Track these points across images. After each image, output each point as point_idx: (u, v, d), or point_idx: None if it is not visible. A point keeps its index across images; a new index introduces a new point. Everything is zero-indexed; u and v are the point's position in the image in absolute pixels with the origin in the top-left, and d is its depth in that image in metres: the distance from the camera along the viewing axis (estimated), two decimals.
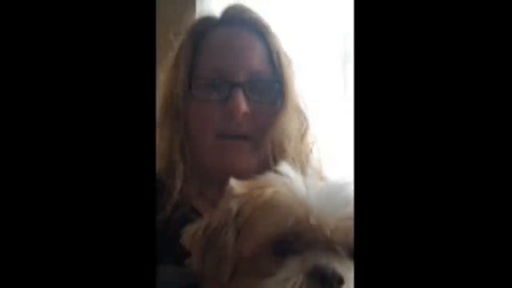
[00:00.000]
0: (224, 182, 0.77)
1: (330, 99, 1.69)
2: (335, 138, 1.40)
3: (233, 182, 0.70)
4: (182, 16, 0.99)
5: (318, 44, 1.75)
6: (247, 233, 0.66)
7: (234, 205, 0.67)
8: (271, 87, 0.91)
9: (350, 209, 0.61)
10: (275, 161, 0.89)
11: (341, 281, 0.60)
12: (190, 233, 0.70)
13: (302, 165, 0.92)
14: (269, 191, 0.66)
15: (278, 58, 0.91)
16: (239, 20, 0.95)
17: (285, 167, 0.70)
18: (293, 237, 0.63)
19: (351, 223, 0.59)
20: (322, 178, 0.86)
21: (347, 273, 0.60)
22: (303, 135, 0.96)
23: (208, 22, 0.96)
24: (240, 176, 0.87)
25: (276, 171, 0.70)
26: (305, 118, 0.96)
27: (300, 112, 0.95)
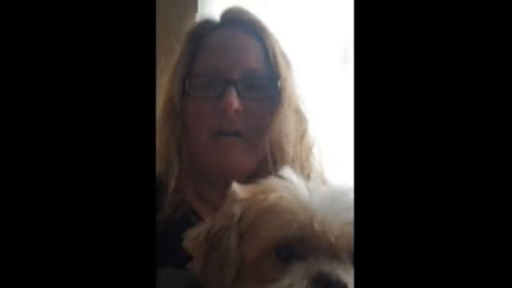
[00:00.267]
0: (220, 180, 0.77)
1: (330, 100, 1.68)
2: (335, 139, 1.40)
3: (236, 187, 0.70)
4: (184, 19, 1.00)
5: (319, 45, 1.75)
6: (250, 238, 0.66)
7: (237, 210, 0.67)
8: (267, 85, 0.92)
9: (353, 214, 0.61)
10: (274, 161, 0.90)
11: None
12: (192, 237, 0.70)
13: (302, 166, 0.93)
14: (272, 196, 0.66)
15: (275, 57, 0.92)
16: (237, 22, 0.96)
17: (287, 171, 0.70)
18: (297, 243, 0.62)
19: None
20: (324, 182, 0.86)
21: (351, 280, 0.59)
22: (302, 136, 0.96)
23: (207, 25, 0.97)
24: (236, 174, 0.87)
25: (278, 176, 0.70)
26: (304, 118, 0.96)
27: (299, 112, 0.96)
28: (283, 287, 0.60)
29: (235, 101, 0.88)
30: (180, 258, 0.72)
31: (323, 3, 1.77)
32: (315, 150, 0.97)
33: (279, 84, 0.91)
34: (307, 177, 0.78)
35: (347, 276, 0.60)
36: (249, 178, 0.84)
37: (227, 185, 0.71)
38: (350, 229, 0.61)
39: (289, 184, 0.68)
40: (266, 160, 0.90)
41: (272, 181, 0.70)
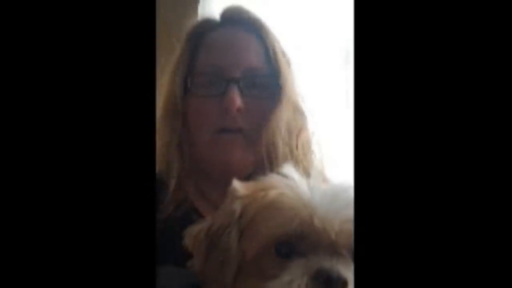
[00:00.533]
0: (222, 177, 0.78)
1: (331, 99, 1.69)
2: (335, 137, 1.40)
3: (236, 184, 0.70)
4: (184, 19, 1.00)
5: (320, 44, 1.75)
6: (251, 235, 0.66)
7: (237, 207, 0.67)
8: (268, 83, 0.92)
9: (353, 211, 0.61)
10: (271, 158, 0.90)
11: (345, 284, 0.59)
12: (193, 234, 0.70)
13: (301, 164, 0.93)
14: (273, 193, 0.66)
15: (275, 55, 0.93)
16: (237, 21, 0.96)
17: (288, 169, 0.70)
18: (297, 239, 0.62)
19: None
20: (325, 179, 0.86)
21: (351, 276, 0.59)
22: (300, 133, 0.96)
23: (207, 24, 0.98)
24: (237, 171, 0.88)
25: (279, 173, 0.70)
26: (303, 116, 0.97)
27: (298, 110, 0.96)
28: (283, 283, 0.60)
29: (237, 99, 0.89)
30: (181, 256, 0.72)
31: (324, 3, 1.77)
32: (315, 148, 0.97)
33: (280, 82, 0.92)
34: (307, 174, 0.78)
35: (347, 272, 0.60)
36: (249, 175, 0.84)
37: (228, 182, 0.71)
38: (351, 226, 0.61)
39: (289, 181, 0.68)
40: (266, 157, 0.91)
41: (273, 178, 0.70)
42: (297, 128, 0.96)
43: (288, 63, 0.95)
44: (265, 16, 0.98)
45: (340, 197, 0.64)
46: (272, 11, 1.62)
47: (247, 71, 0.91)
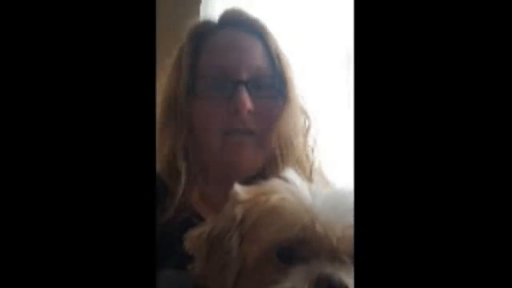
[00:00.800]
0: (229, 179, 0.77)
1: (332, 101, 1.68)
2: (338, 139, 1.40)
3: (238, 188, 0.70)
4: (185, 20, 1.00)
5: (321, 46, 1.75)
6: (252, 239, 0.65)
7: (238, 211, 0.67)
8: (273, 84, 0.92)
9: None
10: (282, 159, 0.91)
11: None
12: (194, 238, 0.70)
13: (303, 164, 0.93)
14: (274, 198, 0.66)
15: (278, 57, 0.93)
16: (237, 23, 0.96)
17: (290, 173, 0.69)
18: (299, 244, 0.62)
19: None
20: (327, 184, 0.87)
21: (353, 282, 0.59)
22: (305, 134, 0.97)
23: (207, 26, 0.98)
24: (246, 172, 0.89)
25: (281, 177, 0.70)
26: (307, 117, 0.97)
27: (302, 110, 0.97)
28: None
29: (248, 101, 0.89)
30: (182, 260, 0.72)
31: (326, 4, 1.77)
32: (317, 150, 0.97)
33: (284, 82, 0.92)
34: (309, 177, 0.78)
35: (349, 278, 0.59)
36: (256, 176, 0.84)
37: (233, 186, 0.71)
38: (352, 232, 0.60)
39: (291, 186, 0.68)
40: (274, 158, 0.91)
41: (274, 182, 0.70)
42: (303, 130, 0.96)
43: (289, 63, 0.96)
44: (266, 18, 0.98)
45: (342, 202, 0.64)
46: (273, 12, 1.63)
47: (253, 72, 0.91)
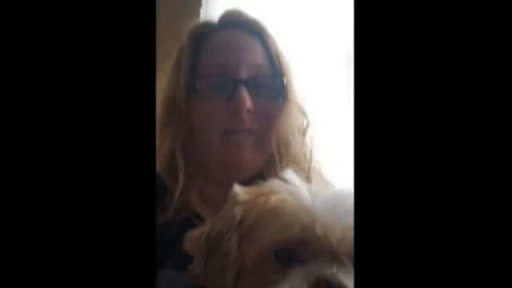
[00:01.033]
0: (229, 178, 0.78)
1: (333, 100, 1.69)
2: (336, 140, 1.40)
3: (237, 188, 0.70)
4: (186, 21, 1.00)
5: (321, 46, 1.75)
6: (251, 240, 0.65)
7: (238, 212, 0.67)
8: (273, 84, 0.93)
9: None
10: (280, 158, 0.91)
11: None
12: (193, 238, 0.70)
13: (302, 165, 0.93)
14: (274, 199, 0.66)
15: (278, 57, 0.93)
16: (237, 23, 0.97)
17: (290, 174, 0.69)
18: (298, 246, 0.62)
19: None
20: (326, 185, 0.87)
21: (352, 284, 0.59)
22: (304, 134, 0.97)
23: (207, 26, 0.98)
24: (246, 172, 0.89)
25: (280, 178, 0.69)
26: (306, 117, 0.97)
27: (301, 111, 0.97)
28: None
29: (247, 100, 0.89)
30: (182, 260, 0.72)
31: (327, 4, 1.78)
32: (316, 150, 0.97)
33: (284, 82, 0.92)
34: (308, 178, 0.78)
35: (348, 280, 0.59)
36: (255, 177, 0.84)
37: (232, 185, 0.71)
38: (352, 233, 0.60)
39: (290, 186, 0.67)
40: (273, 158, 0.91)
41: (274, 183, 0.70)
42: (301, 129, 0.96)
43: (288, 63, 0.96)
44: (266, 19, 0.98)
45: (342, 204, 0.64)
46: (273, 13, 1.63)
47: (253, 71, 0.91)
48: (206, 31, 0.97)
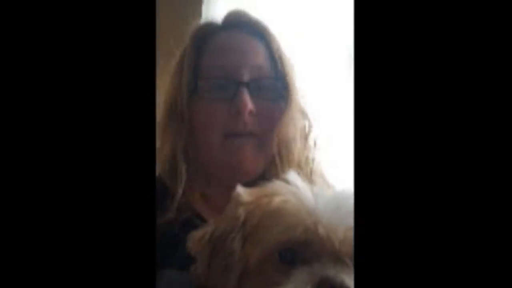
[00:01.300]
0: (230, 181, 0.78)
1: (334, 103, 1.68)
2: (339, 141, 1.40)
3: (240, 189, 0.70)
4: (186, 22, 1.01)
5: (323, 48, 1.75)
6: (254, 241, 0.65)
7: (241, 213, 0.67)
8: (275, 86, 0.93)
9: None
10: (281, 161, 0.91)
11: None
12: (196, 239, 0.70)
13: (304, 167, 0.93)
14: (277, 200, 0.66)
15: (280, 58, 0.93)
16: (240, 24, 0.97)
17: (292, 175, 0.69)
18: (301, 246, 0.62)
19: None
20: (329, 186, 0.87)
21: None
22: (306, 136, 0.97)
23: (210, 27, 0.98)
24: (247, 174, 0.89)
25: (283, 179, 0.70)
26: (308, 120, 0.97)
27: (303, 113, 0.97)
28: None
29: (249, 102, 0.89)
30: (183, 260, 0.72)
31: (329, 5, 1.77)
32: (318, 152, 0.97)
33: (286, 84, 0.92)
34: (310, 180, 0.78)
35: (351, 280, 0.59)
36: (256, 178, 0.84)
37: (233, 187, 0.71)
38: None
39: (293, 188, 0.68)
40: (274, 160, 0.91)
41: (277, 184, 0.70)
42: (304, 132, 0.96)
43: (291, 65, 0.96)
44: (268, 20, 0.98)
45: (345, 205, 0.64)
46: (274, 14, 1.62)
47: (255, 73, 0.91)
48: (209, 32, 0.96)
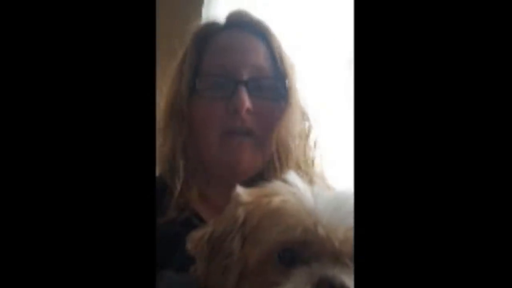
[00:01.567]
0: (228, 179, 0.78)
1: (336, 103, 1.68)
2: (339, 141, 1.40)
3: (240, 190, 0.70)
4: (187, 22, 1.01)
5: (323, 48, 1.75)
6: (253, 241, 0.65)
7: (240, 213, 0.67)
8: (275, 85, 0.93)
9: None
10: (280, 161, 0.91)
11: None
12: (195, 239, 0.70)
13: (305, 169, 0.93)
14: (276, 200, 0.65)
15: (281, 58, 0.93)
16: (242, 24, 0.97)
17: (292, 176, 0.69)
18: (301, 247, 0.62)
19: None
20: (328, 187, 0.86)
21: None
22: (306, 136, 0.97)
23: (212, 27, 0.98)
24: (245, 173, 0.89)
25: (283, 180, 0.69)
26: (308, 120, 0.98)
27: (303, 113, 0.97)
28: None
29: (246, 100, 0.89)
30: (183, 260, 0.72)
31: (330, 6, 1.77)
32: (318, 152, 0.97)
33: (286, 84, 0.92)
34: (309, 180, 0.78)
35: (351, 281, 0.59)
36: (255, 178, 0.84)
37: (232, 186, 0.71)
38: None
39: (293, 188, 0.67)
40: (273, 160, 0.92)
41: (276, 184, 0.69)
42: (304, 132, 0.96)
43: (292, 65, 0.96)
44: (269, 20, 0.99)
45: (344, 205, 0.64)
46: (275, 14, 1.62)
47: (254, 72, 0.91)
48: (211, 31, 0.97)
